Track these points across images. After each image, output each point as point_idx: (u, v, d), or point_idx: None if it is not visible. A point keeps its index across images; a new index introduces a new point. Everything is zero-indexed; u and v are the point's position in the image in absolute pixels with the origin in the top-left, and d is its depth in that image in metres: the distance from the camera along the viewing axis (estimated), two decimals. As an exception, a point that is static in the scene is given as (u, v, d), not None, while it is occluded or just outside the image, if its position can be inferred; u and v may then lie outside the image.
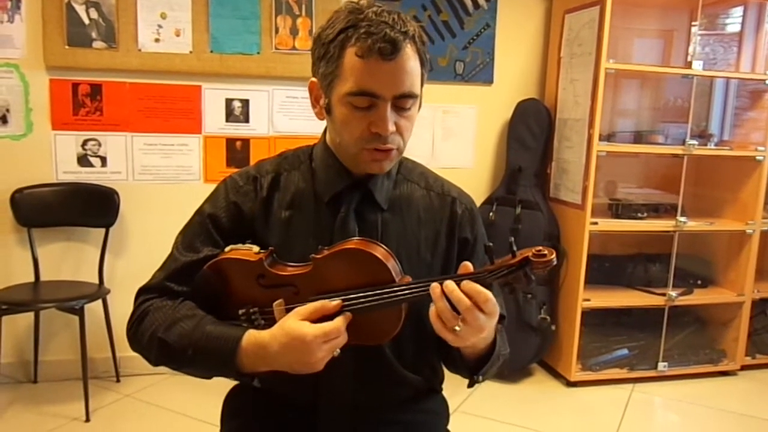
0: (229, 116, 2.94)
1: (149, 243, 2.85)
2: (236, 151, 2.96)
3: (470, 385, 1.15)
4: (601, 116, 2.84)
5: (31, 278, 2.73)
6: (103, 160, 2.82)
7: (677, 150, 3.01)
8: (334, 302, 1.01)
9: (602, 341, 3.16)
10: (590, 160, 2.84)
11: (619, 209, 3.06)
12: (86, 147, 2.80)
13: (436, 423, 1.27)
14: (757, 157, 3.06)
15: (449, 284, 0.96)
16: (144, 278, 1.17)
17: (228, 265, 1.09)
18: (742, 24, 3.26)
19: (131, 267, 2.88)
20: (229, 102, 2.93)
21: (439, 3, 3.12)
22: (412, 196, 1.20)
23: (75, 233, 2.83)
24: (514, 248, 0.96)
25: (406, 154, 1.18)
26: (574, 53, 2.99)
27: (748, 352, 3.26)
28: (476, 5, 3.17)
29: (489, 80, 3.25)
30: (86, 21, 2.70)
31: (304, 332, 0.98)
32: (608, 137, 3.02)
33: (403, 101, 1.05)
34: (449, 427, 1.30)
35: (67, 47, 2.69)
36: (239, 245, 1.10)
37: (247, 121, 2.96)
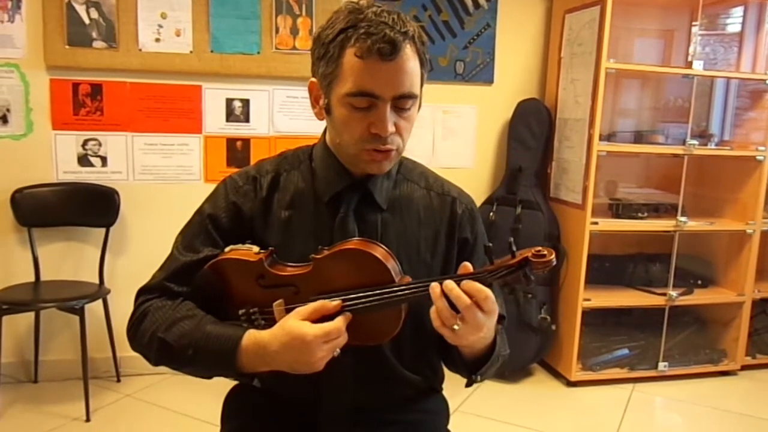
0: (230, 116, 2.94)
1: (149, 243, 2.85)
2: (237, 151, 2.96)
3: (468, 385, 1.15)
4: (602, 116, 2.84)
5: (32, 278, 2.73)
6: (104, 160, 2.82)
7: (678, 150, 3.01)
8: (334, 302, 1.02)
9: (602, 341, 3.16)
10: (590, 159, 2.84)
11: (619, 209, 3.06)
12: (86, 147, 2.80)
13: (436, 423, 1.27)
14: (758, 157, 3.06)
15: (449, 283, 0.96)
16: (144, 278, 1.17)
17: (228, 266, 1.09)
18: (743, 24, 3.26)
19: (131, 267, 2.88)
20: (229, 102, 2.93)
21: (440, 3, 3.12)
22: (412, 196, 1.20)
23: (75, 233, 2.83)
24: (514, 248, 0.96)
25: (407, 153, 1.18)
26: (575, 53, 2.99)
27: (749, 352, 3.26)
28: (476, 5, 3.17)
29: (489, 80, 3.25)
30: (86, 21, 2.70)
31: (304, 332, 0.98)
32: (608, 137, 3.02)
33: (402, 102, 1.04)
34: (449, 426, 1.30)
35: (67, 47, 2.69)
36: (239, 245, 1.10)
37: (247, 121, 2.97)
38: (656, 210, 3.12)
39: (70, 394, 2.67)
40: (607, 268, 3.23)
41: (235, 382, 1.24)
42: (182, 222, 1.20)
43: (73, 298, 2.51)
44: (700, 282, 3.25)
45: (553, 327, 3.06)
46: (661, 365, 3.09)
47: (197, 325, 1.06)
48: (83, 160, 2.80)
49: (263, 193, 1.16)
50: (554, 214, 3.10)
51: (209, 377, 1.10)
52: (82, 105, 2.76)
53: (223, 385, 1.23)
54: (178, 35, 2.80)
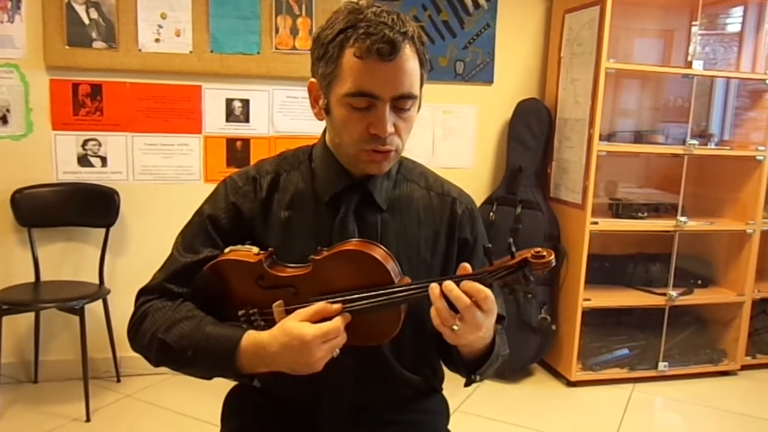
0: (230, 116, 2.94)
1: (149, 243, 2.85)
2: (236, 151, 2.96)
3: (467, 384, 1.15)
4: (602, 116, 2.84)
5: (32, 278, 2.73)
6: (104, 160, 2.83)
7: (677, 150, 3.01)
8: (335, 306, 1.01)
9: (603, 341, 3.16)
10: (590, 159, 2.84)
11: (619, 209, 3.06)
12: (86, 147, 2.80)
13: (436, 423, 1.27)
14: (758, 157, 3.06)
15: (448, 284, 0.96)
16: (144, 278, 1.17)
17: (228, 267, 1.09)
18: (743, 24, 3.26)
19: (131, 267, 2.88)
20: (229, 102, 2.93)
21: (440, 3, 3.12)
22: (412, 196, 1.19)
23: (75, 233, 2.83)
24: (513, 249, 0.96)
25: (407, 153, 1.18)
26: (575, 53, 2.99)
27: (749, 351, 3.26)
28: (476, 5, 3.16)
29: (489, 80, 3.25)
30: (86, 21, 2.70)
31: (303, 332, 0.98)
32: (608, 137, 3.02)
33: (402, 102, 1.04)
34: (449, 426, 1.30)
35: (67, 47, 2.69)
36: (239, 246, 1.10)
37: (247, 121, 2.97)
38: (656, 210, 3.12)
39: (70, 394, 2.67)
40: (607, 268, 3.23)
41: (235, 383, 1.24)
42: (182, 222, 1.20)
43: (73, 299, 2.52)
44: (700, 282, 3.25)
45: (553, 327, 3.06)
46: (661, 365, 3.09)
47: (197, 326, 1.06)
48: (83, 161, 2.80)
49: (263, 194, 1.16)
50: (554, 214, 3.10)
51: (209, 378, 1.10)
52: (82, 105, 2.76)
53: (223, 386, 1.23)
54: (177, 35, 2.80)
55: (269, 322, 1.05)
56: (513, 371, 3.05)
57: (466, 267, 0.99)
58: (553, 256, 0.94)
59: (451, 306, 0.96)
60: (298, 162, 1.20)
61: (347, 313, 1.02)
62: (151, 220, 2.86)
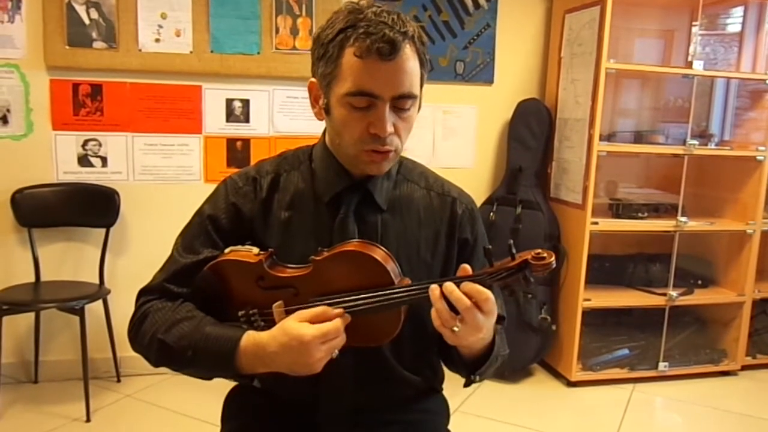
0: (230, 116, 2.94)
1: (150, 243, 2.85)
2: (237, 151, 2.96)
3: (466, 385, 1.15)
4: (602, 116, 2.83)
5: (32, 278, 2.73)
6: (104, 161, 2.82)
7: (678, 150, 3.01)
8: (336, 310, 1.01)
9: (603, 341, 3.16)
10: (591, 160, 2.84)
11: (619, 209, 3.06)
12: (87, 147, 2.80)
13: (436, 423, 1.27)
14: (758, 157, 3.06)
15: (449, 285, 0.96)
16: (145, 278, 1.17)
17: (228, 267, 1.09)
18: (743, 24, 3.26)
19: (132, 267, 2.88)
20: (229, 102, 2.93)
21: (440, 3, 3.12)
22: (412, 196, 1.19)
23: (75, 233, 2.83)
24: (513, 251, 0.96)
25: (407, 153, 1.18)
26: (575, 53, 2.99)
27: (749, 352, 3.26)
28: (476, 5, 3.16)
29: (489, 80, 3.25)
30: (86, 21, 2.70)
31: (302, 332, 0.98)
32: (609, 137, 3.02)
33: (402, 102, 1.04)
34: (449, 427, 1.30)
35: (67, 47, 2.69)
36: (239, 246, 1.10)
37: (247, 121, 2.97)
38: (656, 210, 3.12)
39: (71, 394, 2.67)
40: (607, 268, 3.23)
41: (235, 383, 1.24)
42: (182, 222, 1.20)
43: (74, 299, 2.52)
44: (700, 282, 3.25)
45: (554, 327, 3.06)
46: (662, 365, 3.09)
47: (197, 327, 1.06)
48: (83, 161, 2.80)
49: (263, 194, 1.16)
50: (554, 214, 3.10)
51: (209, 378, 1.10)
52: (82, 105, 2.76)
53: (223, 386, 1.23)
54: (178, 35, 2.80)
55: (269, 323, 1.05)
56: (513, 371, 3.05)
57: (467, 268, 0.99)
58: (553, 258, 0.94)
59: (452, 307, 0.96)
60: (299, 162, 1.19)
61: (347, 314, 1.02)
62: (151, 220, 2.86)
